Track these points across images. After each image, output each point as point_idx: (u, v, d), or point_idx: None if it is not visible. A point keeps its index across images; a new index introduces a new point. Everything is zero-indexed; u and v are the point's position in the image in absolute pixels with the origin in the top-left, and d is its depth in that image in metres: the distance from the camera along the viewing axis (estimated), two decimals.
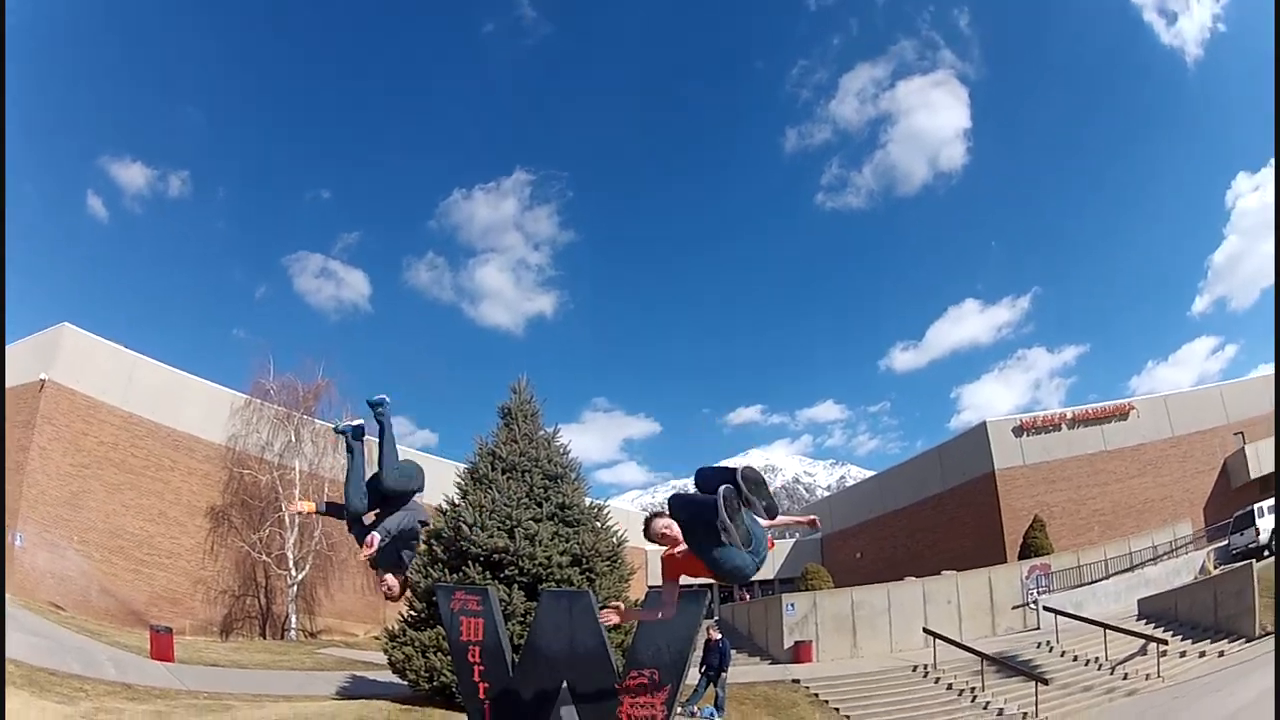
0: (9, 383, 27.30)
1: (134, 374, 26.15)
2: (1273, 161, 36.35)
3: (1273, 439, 26.02)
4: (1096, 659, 16.46)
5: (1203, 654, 16.11)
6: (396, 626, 11.62)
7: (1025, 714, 14.17)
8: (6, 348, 29.41)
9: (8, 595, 21.89)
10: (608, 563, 10.82)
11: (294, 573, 25.76)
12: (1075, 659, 16.78)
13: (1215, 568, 22.75)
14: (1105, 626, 16.62)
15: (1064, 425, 32.50)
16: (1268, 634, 14.90)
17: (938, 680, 16.06)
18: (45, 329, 26.69)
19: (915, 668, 16.79)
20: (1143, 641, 16.31)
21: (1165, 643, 16.08)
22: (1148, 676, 15.31)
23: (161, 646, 16.34)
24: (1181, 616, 17.94)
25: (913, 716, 14.73)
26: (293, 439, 26.46)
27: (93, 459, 24.71)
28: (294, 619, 26.02)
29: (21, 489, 23.59)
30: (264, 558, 25.73)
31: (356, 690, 14.53)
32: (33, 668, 11.78)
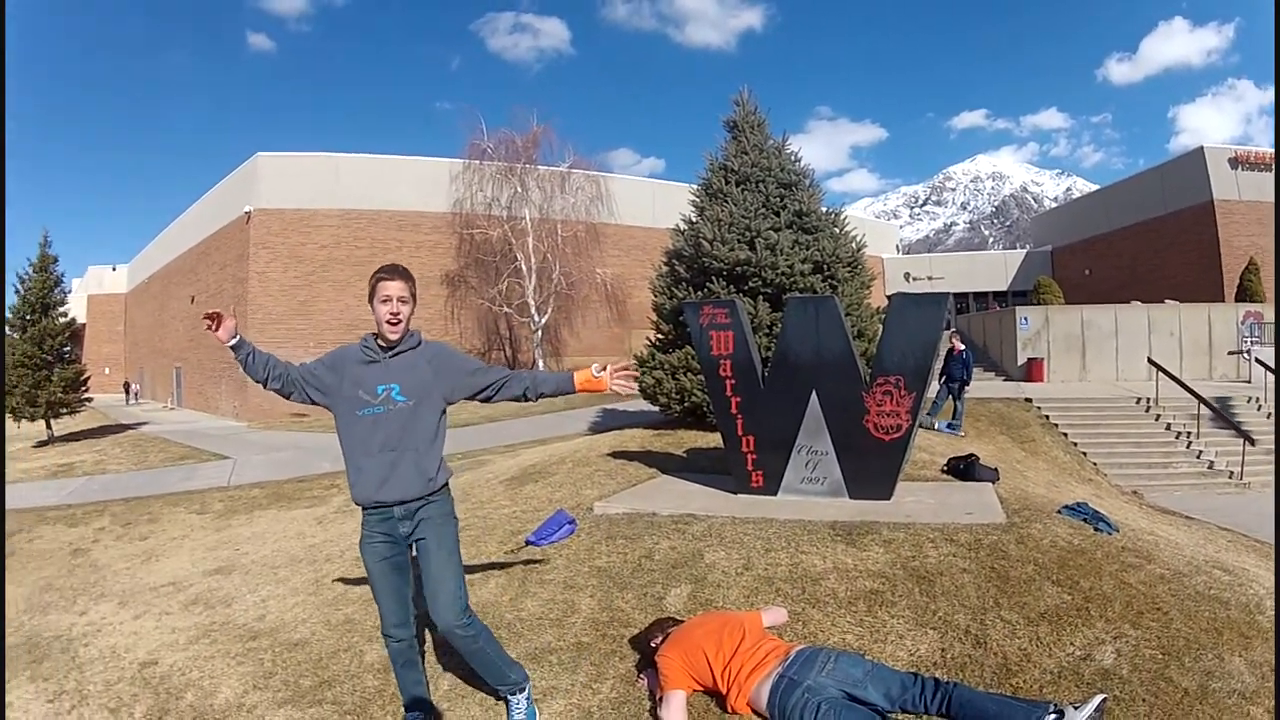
0: (216, 226, 29.46)
1: (340, 174, 27.19)
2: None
3: None
4: None
5: None
6: (645, 352, 11.79)
7: (1232, 473, 13.45)
8: (206, 196, 31.61)
9: (247, 422, 24.40)
10: (848, 269, 10.51)
11: (536, 318, 27.06)
12: None
13: None
14: None
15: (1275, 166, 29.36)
16: None
17: (1158, 418, 15.39)
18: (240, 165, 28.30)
19: (1139, 400, 16.10)
20: None
21: None
22: None
23: None
24: None
25: (1133, 453, 14.20)
26: (518, 189, 27.06)
27: (315, 264, 26.35)
28: (540, 363, 27.47)
29: (246, 319, 25.65)
30: (505, 309, 27.25)
31: (608, 423, 15.17)
32: (278, 483, 12.58)
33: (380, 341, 3.32)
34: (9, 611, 6.67)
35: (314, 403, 3.37)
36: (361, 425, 3.25)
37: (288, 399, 3.41)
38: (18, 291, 21.15)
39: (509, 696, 3.48)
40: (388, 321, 3.25)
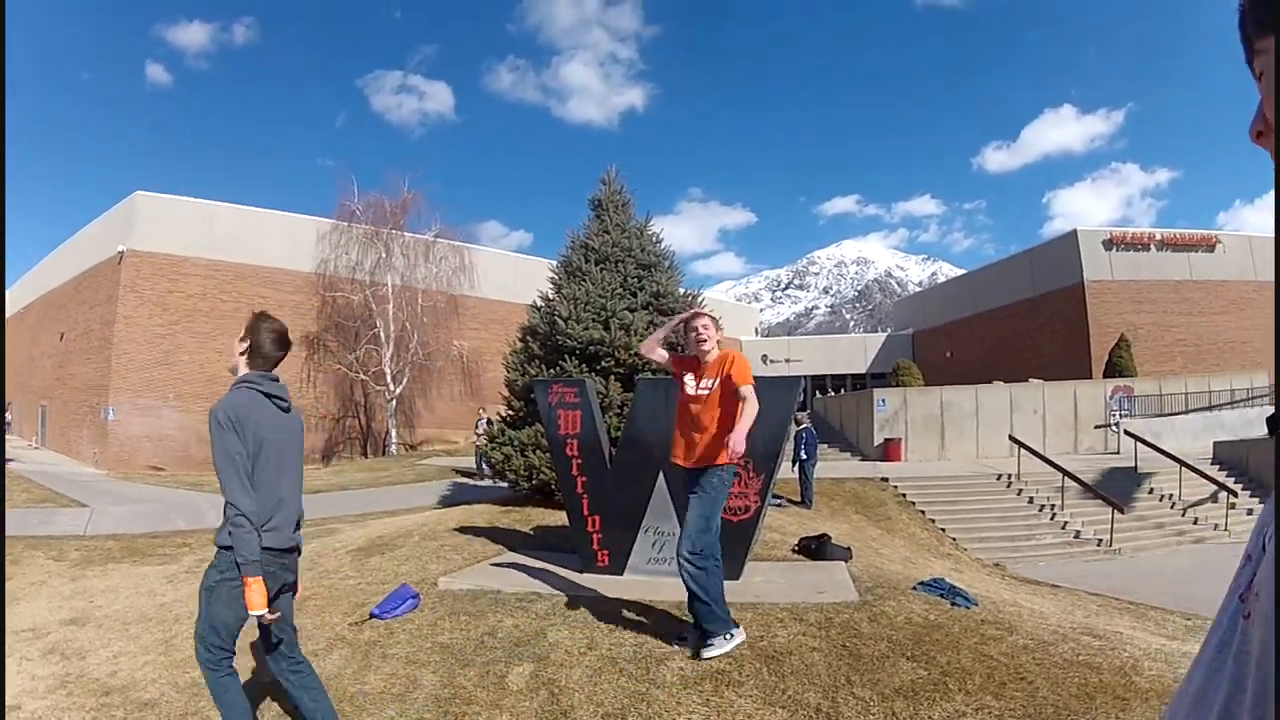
0: (90, 262, 28.11)
1: (215, 222, 26.47)
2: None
3: None
4: (1170, 496, 16.37)
5: None
6: (495, 428, 11.69)
7: (1100, 540, 14.16)
8: (85, 229, 30.19)
9: (105, 470, 23.25)
10: None
11: (392, 387, 26.73)
12: (1150, 491, 16.70)
13: None
14: (1182, 464, 16.43)
15: (1152, 246, 31.52)
16: None
17: (1020, 492, 16.07)
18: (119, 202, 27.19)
19: (1000, 476, 16.76)
20: (1215, 488, 16.12)
21: (1236, 494, 15.90)
22: (1216, 526, 15.25)
23: None
24: (1252, 470, 17.41)
25: (994, 527, 14.75)
26: (383, 255, 26.88)
27: (180, 314, 25.44)
28: (394, 434, 27.17)
29: (110, 364, 24.74)
30: (361, 376, 26.72)
31: (458, 497, 14.95)
32: (133, 536, 12.22)
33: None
34: None
35: None
36: None
37: None
38: None
39: None
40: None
